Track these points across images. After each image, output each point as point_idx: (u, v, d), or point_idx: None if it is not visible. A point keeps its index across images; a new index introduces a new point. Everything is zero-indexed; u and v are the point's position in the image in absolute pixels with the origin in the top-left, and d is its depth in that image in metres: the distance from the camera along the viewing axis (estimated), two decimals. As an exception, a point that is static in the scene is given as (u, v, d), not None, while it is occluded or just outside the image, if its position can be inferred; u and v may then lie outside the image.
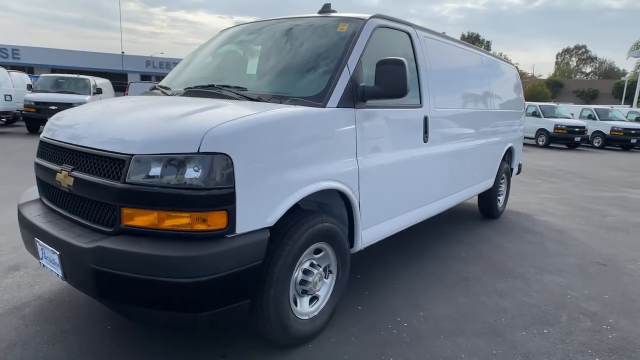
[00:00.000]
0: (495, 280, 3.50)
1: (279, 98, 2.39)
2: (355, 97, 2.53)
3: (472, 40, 64.35)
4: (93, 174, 2.03)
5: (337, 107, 2.42)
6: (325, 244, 2.46)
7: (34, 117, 12.96)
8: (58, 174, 2.22)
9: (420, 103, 3.23)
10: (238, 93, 2.50)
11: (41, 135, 2.57)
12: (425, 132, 3.29)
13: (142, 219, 1.92)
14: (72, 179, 2.12)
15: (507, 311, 2.98)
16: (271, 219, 2.08)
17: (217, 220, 1.89)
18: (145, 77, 40.01)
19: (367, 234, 2.82)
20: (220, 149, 1.87)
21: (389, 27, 3.00)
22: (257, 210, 2.02)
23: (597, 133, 18.89)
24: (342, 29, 2.75)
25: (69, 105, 13.31)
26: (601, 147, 19.04)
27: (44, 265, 2.29)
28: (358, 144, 2.59)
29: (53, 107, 12.83)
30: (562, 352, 2.50)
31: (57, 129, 2.43)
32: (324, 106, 2.37)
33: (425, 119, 3.28)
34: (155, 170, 1.88)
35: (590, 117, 19.53)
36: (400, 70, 2.45)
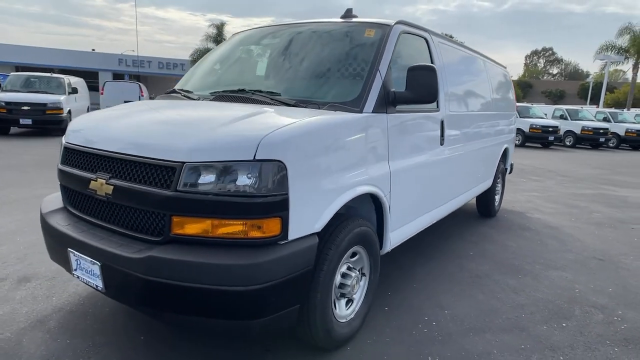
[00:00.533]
0: (506, 278, 3.63)
1: (317, 103, 2.41)
2: (387, 102, 2.58)
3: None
4: (138, 182, 1.99)
5: (372, 112, 2.46)
6: (361, 247, 2.50)
7: (5, 118, 12.35)
8: (92, 182, 2.17)
9: (437, 107, 3.31)
10: (272, 98, 2.50)
11: (64, 141, 2.49)
12: (442, 135, 3.38)
13: (194, 227, 1.90)
14: (111, 187, 2.07)
15: (524, 307, 3.10)
16: (319, 225, 2.10)
17: (271, 227, 1.90)
18: (117, 76, 38.88)
19: (395, 236, 2.88)
20: (274, 155, 1.87)
21: (410, 33, 3.07)
22: (307, 216, 2.03)
23: (569, 132, 19.68)
24: (369, 34, 2.79)
25: (42, 105, 12.84)
26: (572, 146, 19.84)
27: (77, 277, 2.22)
28: (390, 148, 2.63)
29: (25, 108, 12.33)
30: (583, 344, 2.63)
31: (86, 134, 2.36)
32: (361, 112, 2.41)
33: (442, 122, 3.36)
34: (208, 178, 1.86)
35: (562, 117, 20.32)
36: (431, 76, 2.51)
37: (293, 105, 2.41)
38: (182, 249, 1.89)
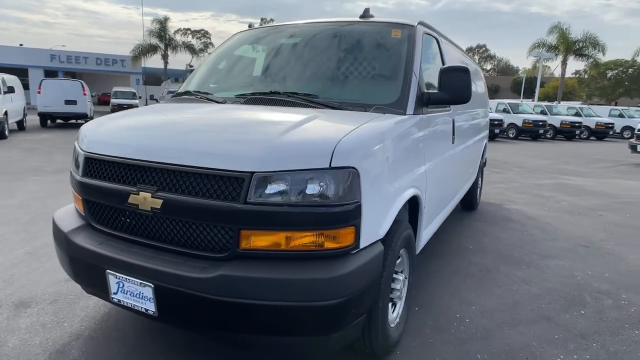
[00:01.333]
0: (512, 269, 3.78)
1: (362, 106, 2.35)
2: (422, 103, 2.57)
3: None
4: (197, 195, 1.83)
5: (413, 113, 2.45)
6: (404, 249, 2.48)
7: None
8: (133, 195, 1.96)
9: (449, 107, 3.36)
10: (311, 101, 2.41)
11: (83, 151, 2.23)
12: (453, 133, 3.44)
13: (264, 241, 1.78)
14: (159, 201, 1.89)
15: (541, 297, 3.25)
16: (382, 231, 2.06)
17: (346, 236, 1.83)
18: (50, 73, 35.98)
19: (424, 235, 2.90)
20: (348, 162, 1.80)
21: (427, 34, 3.08)
22: (375, 223, 1.98)
23: (512, 125, 20.98)
24: (396, 34, 2.76)
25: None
26: (515, 138, 21.17)
27: (118, 301, 2.01)
28: (425, 149, 2.64)
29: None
30: (606, 329, 2.80)
31: (116, 143, 2.13)
32: (404, 113, 2.38)
33: (453, 122, 3.43)
34: (281, 188, 1.75)
35: (505, 110, 21.60)
36: (465, 77, 2.53)
37: (338, 108, 2.33)
38: (255, 265, 1.77)
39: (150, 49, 35.83)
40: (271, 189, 1.75)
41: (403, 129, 2.29)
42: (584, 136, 23.16)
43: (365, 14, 3.07)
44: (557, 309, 3.07)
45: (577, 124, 22.19)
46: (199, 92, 2.85)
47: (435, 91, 2.61)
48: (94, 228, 2.20)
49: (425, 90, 2.61)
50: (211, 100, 2.68)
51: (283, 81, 2.71)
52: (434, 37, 3.27)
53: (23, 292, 3.00)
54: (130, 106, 27.37)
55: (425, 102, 2.60)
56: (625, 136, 24.89)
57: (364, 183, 1.85)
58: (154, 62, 38.90)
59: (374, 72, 2.63)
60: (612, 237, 4.91)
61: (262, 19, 61.06)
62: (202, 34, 50.59)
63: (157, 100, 24.78)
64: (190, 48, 39.29)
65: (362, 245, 1.90)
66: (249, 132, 2.01)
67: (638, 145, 11.88)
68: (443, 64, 3.35)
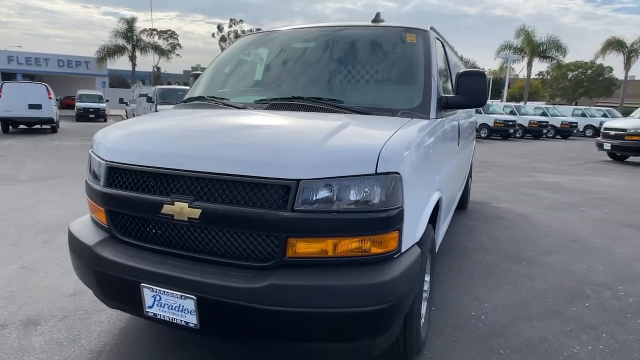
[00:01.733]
0: (514, 266, 3.91)
1: (389, 110, 2.38)
2: (441, 106, 2.63)
3: None
4: (240, 204, 1.81)
5: (434, 117, 2.50)
6: (429, 250, 2.53)
7: None
8: (167, 206, 1.91)
9: (455, 110, 3.45)
10: (336, 106, 2.42)
11: (105, 161, 2.15)
12: (458, 135, 3.53)
13: (312, 248, 1.78)
14: (198, 210, 1.85)
15: (546, 292, 3.37)
16: (419, 234, 2.09)
17: (390, 241, 1.85)
18: (8, 76, 34.30)
19: (440, 235, 2.97)
20: (392, 167, 1.82)
21: (437, 38, 3.15)
22: (413, 226, 2.01)
23: (484, 125, 21.62)
24: (411, 39, 2.82)
25: None
26: (487, 137, 21.83)
27: (153, 316, 1.95)
28: (443, 151, 2.70)
29: None
30: (612, 320, 2.95)
31: (144, 151, 2.07)
32: (428, 117, 2.43)
33: (458, 124, 3.52)
34: (328, 195, 1.76)
35: (477, 111, 22.23)
36: (482, 81, 2.61)
37: (366, 113, 2.35)
38: (304, 273, 1.77)
39: (117, 50, 34.73)
40: (318, 195, 1.76)
41: (431, 133, 2.34)
42: (550, 135, 24.19)
43: (377, 18, 3.11)
44: (563, 302, 3.20)
45: (544, 124, 23.13)
46: (214, 97, 2.81)
47: (452, 95, 2.68)
48: (119, 240, 2.13)
49: (445, 95, 2.67)
50: (230, 105, 2.64)
51: (303, 86, 2.70)
52: (440, 41, 3.34)
53: (28, 310, 2.86)
54: (97, 110, 26.44)
55: (444, 105, 2.66)
56: (587, 134, 26.18)
57: (405, 188, 1.88)
58: (119, 64, 37.83)
59: (394, 77, 2.67)
60: (597, 231, 5.15)
61: (231, 20, 60.35)
62: (169, 34, 49.60)
63: (127, 104, 24.00)
64: (157, 49, 38.37)
65: (403, 249, 1.93)
66: (289, 139, 2.00)
67: (604, 144, 12.51)
68: (449, 67, 3.44)
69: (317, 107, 2.42)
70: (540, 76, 51.91)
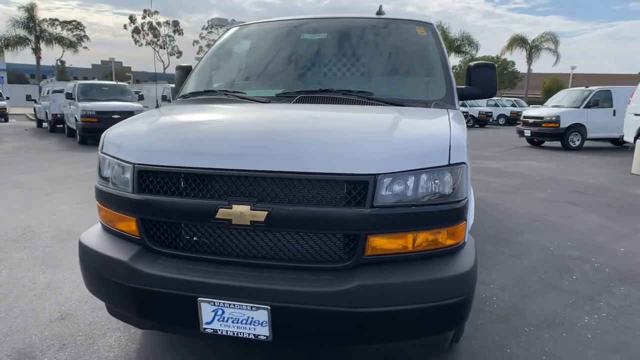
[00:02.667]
0: (498, 247, 4.16)
1: (423, 102, 2.37)
2: (459, 97, 2.69)
3: None
4: (314, 204, 1.69)
5: (458, 108, 2.55)
6: None
7: None
8: (224, 210, 1.73)
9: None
10: (368, 98, 2.36)
11: (134, 163, 1.87)
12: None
13: (392, 244, 1.73)
14: (264, 213, 1.69)
15: (536, 269, 3.63)
16: (471, 223, 2.12)
17: (460, 232, 1.86)
18: None
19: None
20: (461, 158, 1.82)
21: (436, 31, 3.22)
22: (470, 216, 2.04)
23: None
24: (422, 32, 2.83)
25: None
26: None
27: (213, 332, 1.76)
28: (465, 142, 2.77)
29: None
30: (601, 289, 3.26)
31: (185, 151, 1.84)
32: (455, 108, 2.47)
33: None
34: (404, 188, 1.71)
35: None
36: (493, 73, 2.72)
37: (400, 105, 2.32)
38: (387, 271, 1.70)
39: (18, 42, 30.94)
40: (396, 190, 1.70)
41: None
42: (470, 124, 26.15)
43: (380, 11, 3.10)
44: (555, 277, 3.47)
45: (464, 114, 25.00)
46: (227, 91, 2.59)
47: (466, 86, 2.75)
48: (157, 252, 1.89)
49: (461, 87, 2.73)
50: (248, 99, 2.46)
51: (325, 79, 2.59)
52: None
53: (15, 341, 2.45)
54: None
55: (460, 96, 2.72)
56: (501, 123, 28.70)
57: (468, 178, 1.90)
58: (16, 57, 33.74)
59: (416, 68, 2.67)
60: (550, 211, 5.66)
61: (145, 11, 56.67)
62: (75, 25, 45.15)
63: (35, 102, 21.49)
64: (62, 41, 34.79)
65: (466, 239, 1.95)
66: (356, 132, 1.91)
67: (524, 131, 13.79)
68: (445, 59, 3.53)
69: (350, 100, 2.34)
70: (454, 70, 55.77)
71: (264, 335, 1.72)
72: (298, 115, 2.18)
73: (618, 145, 13.71)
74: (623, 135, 10.79)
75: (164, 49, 59.31)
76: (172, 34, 59.32)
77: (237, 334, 1.74)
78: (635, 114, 9.92)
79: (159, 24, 58.15)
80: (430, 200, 1.73)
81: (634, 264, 3.78)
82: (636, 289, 3.28)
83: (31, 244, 4.16)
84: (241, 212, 1.72)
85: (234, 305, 1.70)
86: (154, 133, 2.02)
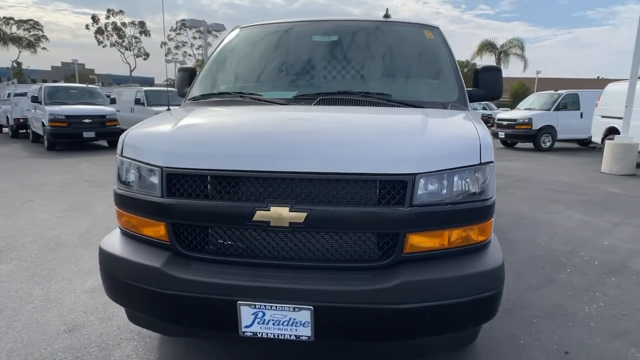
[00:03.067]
0: (492, 244, 4.29)
1: (441, 104, 2.44)
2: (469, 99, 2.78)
3: None
4: (354, 204, 1.72)
5: (469, 110, 2.63)
6: None
7: None
8: (261, 212, 1.73)
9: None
10: (389, 100, 2.40)
11: (162, 166, 1.84)
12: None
13: (429, 242, 1.78)
14: (303, 214, 1.71)
15: (532, 264, 3.78)
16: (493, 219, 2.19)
17: (489, 228, 1.93)
18: None
19: None
20: (490, 157, 1.89)
21: None
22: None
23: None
24: (430, 36, 2.91)
25: None
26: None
27: (252, 335, 1.75)
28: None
29: None
30: (595, 281, 3.43)
31: (217, 153, 1.83)
32: (468, 109, 2.56)
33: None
34: (441, 187, 1.77)
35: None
36: (499, 75, 2.82)
37: (419, 106, 2.38)
38: (425, 267, 1.75)
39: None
40: (432, 188, 1.75)
41: None
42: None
43: (387, 14, 3.16)
44: (551, 271, 3.62)
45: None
46: (242, 93, 2.58)
47: (473, 88, 2.84)
48: (188, 257, 1.86)
49: (469, 89, 2.82)
50: (265, 101, 2.46)
51: (341, 80, 2.62)
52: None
53: (23, 356, 2.34)
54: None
55: (468, 98, 2.81)
56: (471, 125, 29.50)
57: (494, 176, 1.97)
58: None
59: (428, 71, 2.75)
60: (535, 209, 5.89)
61: (108, 10, 55.07)
62: (32, 24, 43.23)
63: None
64: (19, 42, 33.31)
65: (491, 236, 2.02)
66: (391, 133, 1.95)
67: (499, 132, 14.26)
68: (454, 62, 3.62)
69: (369, 102, 2.38)
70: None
71: (306, 336, 1.72)
72: (329, 117, 2.19)
73: (584, 146, 14.40)
74: (591, 137, 11.35)
75: (130, 50, 57.85)
76: (138, 35, 58.00)
77: (278, 335, 1.74)
78: (603, 116, 10.46)
79: (124, 24, 56.67)
80: (463, 198, 1.80)
81: (619, 256, 4.00)
82: (625, 279, 3.47)
83: (17, 255, 3.98)
84: (280, 213, 1.72)
85: (275, 307, 1.70)
86: (182, 135, 1.99)
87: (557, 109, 13.22)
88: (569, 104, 13.31)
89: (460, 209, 1.78)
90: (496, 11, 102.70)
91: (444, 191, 1.76)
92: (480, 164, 1.83)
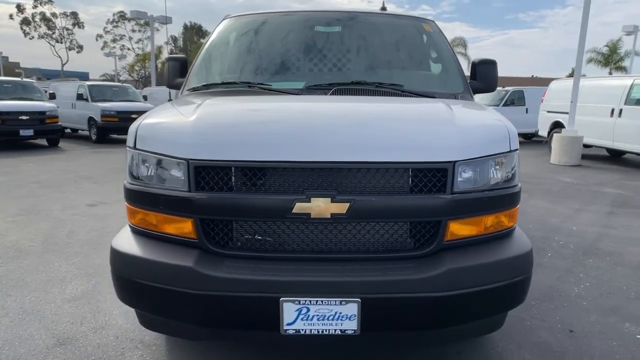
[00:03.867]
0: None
1: (453, 95, 2.46)
2: None
3: (196, 30, 63.89)
4: (397, 192, 1.68)
5: (474, 101, 2.69)
6: None
7: None
8: (301, 204, 1.65)
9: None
10: (402, 90, 2.39)
11: (189, 159, 1.70)
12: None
13: (468, 229, 1.79)
14: (345, 205, 1.65)
15: (515, 250, 3.95)
16: None
17: (516, 214, 1.98)
18: None
19: None
20: (516, 145, 1.93)
21: None
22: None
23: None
24: (428, 29, 2.94)
25: None
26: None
27: (295, 332, 1.67)
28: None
29: None
30: (575, 263, 3.65)
31: (251, 143, 1.71)
32: (473, 100, 2.61)
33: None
34: (478, 174, 1.78)
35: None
36: (494, 68, 2.90)
37: (432, 97, 2.38)
38: (466, 254, 1.76)
39: None
40: (471, 176, 1.76)
41: None
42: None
43: (383, 7, 3.15)
44: (535, 256, 3.79)
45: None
46: (251, 82, 2.45)
47: (470, 81, 2.91)
48: (220, 254, 1.74)
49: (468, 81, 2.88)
50: (277, 91, 2.35)
51: (349, 71, 2.57)
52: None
53: (14, 375, 2.09)
54: None
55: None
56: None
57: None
58: None
59: (433, 62, 2.76)
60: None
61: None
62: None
63: None
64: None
65: None
66: (424, 122, 1.93)
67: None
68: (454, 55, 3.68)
69: (384, 92, 2.35)
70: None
71: (352, 330, 1.67)
72: (357, 106, 2.13)
73: (527, 139, 15.37)
74: (537, 130, 12.12)
75: (61, 43, 53.98)
76: (70, 27, 54.25)
77: (322, 331, 1.67)
78: (548, 111, 11.21)
79: (54, 15, 52.68)
80: (496, 184, 1.83)
81: (589, 239, 4.29)
82: (601, 260, 3.73)
83: (-27, 264, 3.56)
84: (321, 205, 1.65)
85: (321, 301, 1.63)
86: (207, 126, 1.84)
87: (505, 104, 14.00)
88: (516, 100, 14.14)
89: (495, 196, 1.81)
90: (437, 12, 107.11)
91: (479, 178, 1.78)
92: (510, 151, 1.87)
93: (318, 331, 1.67)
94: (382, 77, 2.55)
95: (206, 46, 2.88)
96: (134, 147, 1.87)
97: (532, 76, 52.23)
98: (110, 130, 13.67)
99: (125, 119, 13.54)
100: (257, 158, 1.68)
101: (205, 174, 1.71)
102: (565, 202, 5.94)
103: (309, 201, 1.65)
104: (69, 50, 54.77)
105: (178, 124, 1.91)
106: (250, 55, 2.77)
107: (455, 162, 1.71)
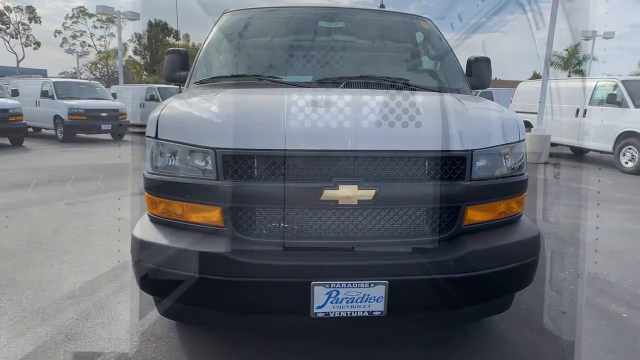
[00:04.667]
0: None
1: (455, 90, 2.58)
2: None
3: (161, 27, 61.94)
4: (414, 180, 1.77)
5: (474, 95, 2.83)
6: None
7: None
8: (329, 191, 1.71)
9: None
10: (409, 85, 2.48)
11: (217, 148, 1.72)
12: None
13: (483, 214, 1.90)
14: (372, 191, 1.72)
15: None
16: None
17: (524, 201, 2.11)
18: None
19: None
20: (523, 135, 2.07)
21: None
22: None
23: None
24: (426, 26, 3.06)
25: None
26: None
27: (324, 315, 1.73)
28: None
29: None
30: (557, 252, 3.87)
31: (280, 133, 1.76)
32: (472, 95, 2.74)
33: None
34: (493, 162, 1.91)
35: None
36: (489, 66, 3.06)
37: (437, 91, 2.49)
38: (482, 237, 1.87)
39: None
40: (486, 164, 1.88)
41: None
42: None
43: (382, 4, 3.25)
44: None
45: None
46: (261, 75, 2.49)
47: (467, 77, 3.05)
48: (247, 242, 1.77)
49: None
50: (288, 84, 2.40)
51: (356, 65, 2.64)
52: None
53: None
54: None
55: None
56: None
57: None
58: None
59: (434, 58, 2.87)
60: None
61: (5, -8, 48.19)
62: None
63: None
64: None
65: None
66: (442, 113, 2.02)
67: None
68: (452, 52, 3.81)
69: (392, 86, 2.44)
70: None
71: (379, 311, 1.75)
72: (374, 99, 2.21)
73: (496, 138, 15.97)
74: (506, 129, 12.61)
75: (16, 38, 51.33)
76: (26, 21, 51.65)
77: (350, 313, 1.74)
78: (517, 112, 11.69)
79: (7, 8, 50.01)
80: (508, 172, 1.95)
81: (565, 229, 4.56)
82: (580, 248, 3.98)
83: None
84: (349, 192, 1.72)
85: (350, 284, 1.70)
86: (233, 115, 1.87)
87: (475, 105, 14.48)
88: (485, 101, 14.65)
89: (507, 182, 1.94)
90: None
91: (494, 166, 1.90)
92: (519, 140, 2.00)
93: (347, 313, 1.74)
94: (388, 71, 2.64)
95: (208, 40, 2.88)
96: (156, 137, 1.87)
97: (496, 79, 54.11)
98: (78, 129, 13.18)
99: (93, 118, 13.11)
100: (284, 147, 1.73)
101: (234, 162, 1.74)
102: (540, 197, 6.26)
103: (337, 188, 1.71)
104: (25, 46, 52.14)
105: (202, 113, 1.93)
106: (255, 50, 2.79)
107: (473, 150, 1.82)
